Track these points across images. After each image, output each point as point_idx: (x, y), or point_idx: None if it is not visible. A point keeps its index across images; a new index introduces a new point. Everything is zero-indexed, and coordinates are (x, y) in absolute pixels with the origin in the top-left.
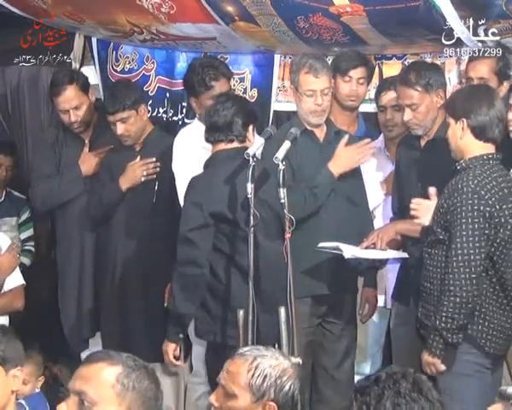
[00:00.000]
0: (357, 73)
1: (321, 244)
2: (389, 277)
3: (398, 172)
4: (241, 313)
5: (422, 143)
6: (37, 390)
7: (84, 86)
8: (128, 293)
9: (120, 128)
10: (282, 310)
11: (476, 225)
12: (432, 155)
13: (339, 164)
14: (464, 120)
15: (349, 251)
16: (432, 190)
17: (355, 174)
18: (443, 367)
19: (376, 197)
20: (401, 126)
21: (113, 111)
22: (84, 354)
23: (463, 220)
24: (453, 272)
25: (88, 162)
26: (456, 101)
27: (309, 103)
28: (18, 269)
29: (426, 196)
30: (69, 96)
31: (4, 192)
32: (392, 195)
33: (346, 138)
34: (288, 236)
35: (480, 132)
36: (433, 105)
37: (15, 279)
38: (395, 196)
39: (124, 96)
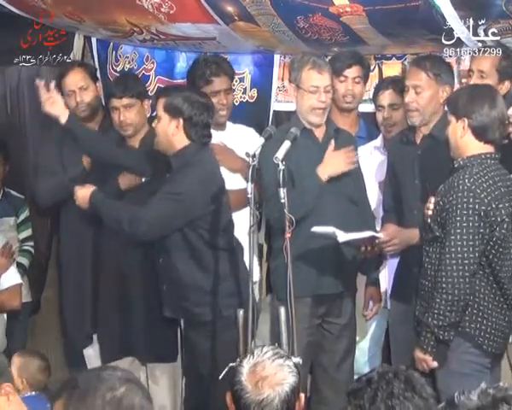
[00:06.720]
0: (351, 72)
1: (315, 228)
2: (390, 277)
3: (392, 168)
4: (241, 312)
5: (418, 139)
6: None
7: (93, 73)
8: (128, 292)
9: (124, 115)
10: (282, 310)
11: (471, 224)
12: (429, 151)
13: (327, 169)
14: (466, 120)
15: (343, 236)
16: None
17: (355, 174)
18: (435, 364)
19: (375, 198)
20: (400, 126)
21: (121, 95)
22: (86, 351)
23: (458, 218)
24: (446, 270)
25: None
26: (458, 99)
27: (312, 100)
28: (15, 268)
29: (423, 193)
30: (76, 77)
31: (2, 192)
32: (384, 192)
33: (332, 144)
34: (288, 235)
35: (480, 133)
36: (437, 97)
37: (12, 278)
38: (387, 193)
39: (133, 83)
